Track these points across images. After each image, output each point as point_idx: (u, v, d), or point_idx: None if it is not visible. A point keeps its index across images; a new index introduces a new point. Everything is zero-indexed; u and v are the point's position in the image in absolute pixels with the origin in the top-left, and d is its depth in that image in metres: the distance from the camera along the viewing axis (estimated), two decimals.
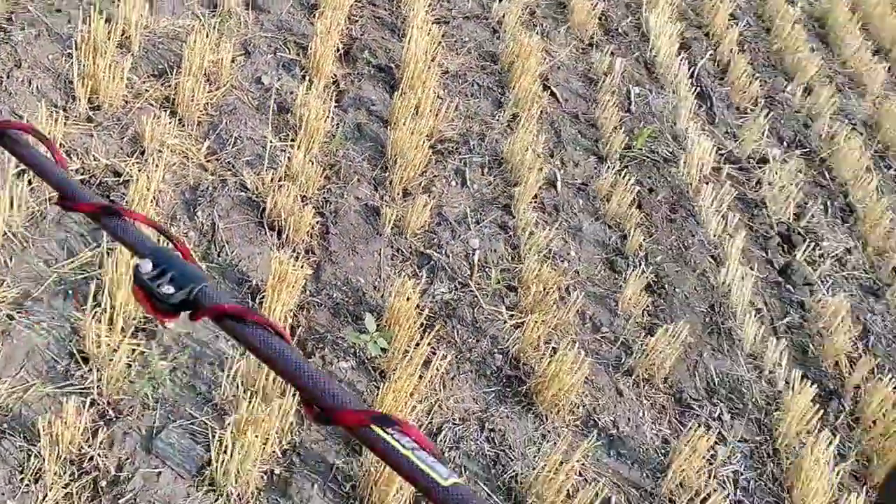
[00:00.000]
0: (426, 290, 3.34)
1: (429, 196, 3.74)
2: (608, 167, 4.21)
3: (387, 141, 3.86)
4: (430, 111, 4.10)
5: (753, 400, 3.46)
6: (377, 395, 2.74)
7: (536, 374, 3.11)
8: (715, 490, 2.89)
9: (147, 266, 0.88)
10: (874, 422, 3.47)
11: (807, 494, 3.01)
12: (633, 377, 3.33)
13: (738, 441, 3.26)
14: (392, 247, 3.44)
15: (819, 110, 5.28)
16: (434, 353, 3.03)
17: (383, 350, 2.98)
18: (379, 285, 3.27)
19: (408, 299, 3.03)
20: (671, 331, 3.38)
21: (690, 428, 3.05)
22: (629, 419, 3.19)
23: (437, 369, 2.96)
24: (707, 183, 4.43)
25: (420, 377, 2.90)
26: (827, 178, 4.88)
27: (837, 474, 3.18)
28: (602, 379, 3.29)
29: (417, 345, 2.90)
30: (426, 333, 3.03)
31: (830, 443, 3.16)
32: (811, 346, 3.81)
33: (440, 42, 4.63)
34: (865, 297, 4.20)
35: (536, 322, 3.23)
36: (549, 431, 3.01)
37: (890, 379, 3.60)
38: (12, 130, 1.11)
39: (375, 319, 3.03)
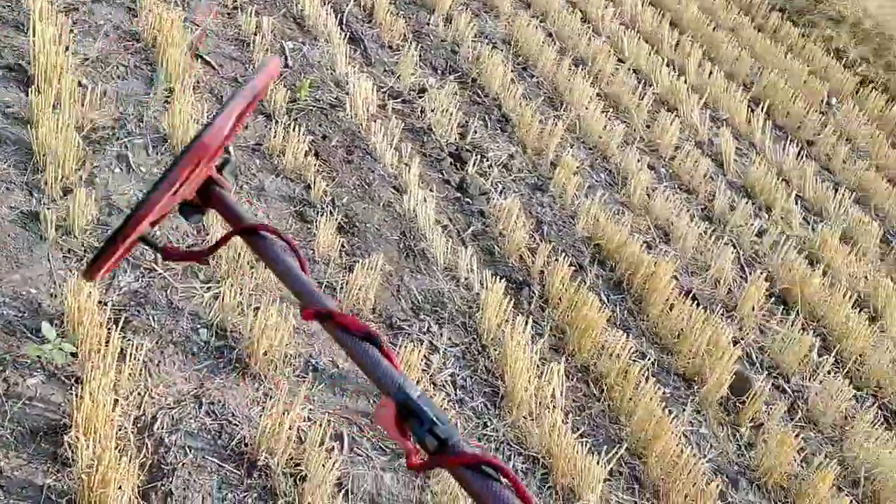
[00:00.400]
0: (110, 284, 3.16)
1: (92, 188, 3.52)
2: (277, 123, 4.21)
3: (32, 141, 3.56)
4: (74, 102, 3.83)
5: (456, 307, 3.71)
6: (74, 401, 2.57)
7: (245, 338, 3.08)
8: (436, 394, 3.07)
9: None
10: (560, 298, 3.87)
11: (515, 375, 3.31)
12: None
13: (450, 346, 3.49)
14: (61, 249, 3.21)
15: (462, 36, 5.66)
16: (135, 346, 2.90)
17: (73, 355, 2.79)
18: (56, 291, 3.03)
19: (90, 296, 2.86)
20: (368, 264, 3.51)
21: (403, 346, 3.21)
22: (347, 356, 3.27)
23: (137, 360, 2.84)
24: (375, 120, 4.59)
25: (120, 372, 2.76)
26: (481, 96, 5.28)
27: (537, 352, 3.53)
28: (313, 325, 3.34)
29: (108, 341, 2.75)
30: (117, 327, 2.88)
31: (525, 326, 3.49)
32: (496, 247, 4.15)
33: (72, 30, 4.32)
34: (533, 194, 4.63)
35: (233, 287, 3.20)
36: (270, 388, 3.01)
37: (564, 258, 4.03)
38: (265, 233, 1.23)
39: (56, 326, 2.82)
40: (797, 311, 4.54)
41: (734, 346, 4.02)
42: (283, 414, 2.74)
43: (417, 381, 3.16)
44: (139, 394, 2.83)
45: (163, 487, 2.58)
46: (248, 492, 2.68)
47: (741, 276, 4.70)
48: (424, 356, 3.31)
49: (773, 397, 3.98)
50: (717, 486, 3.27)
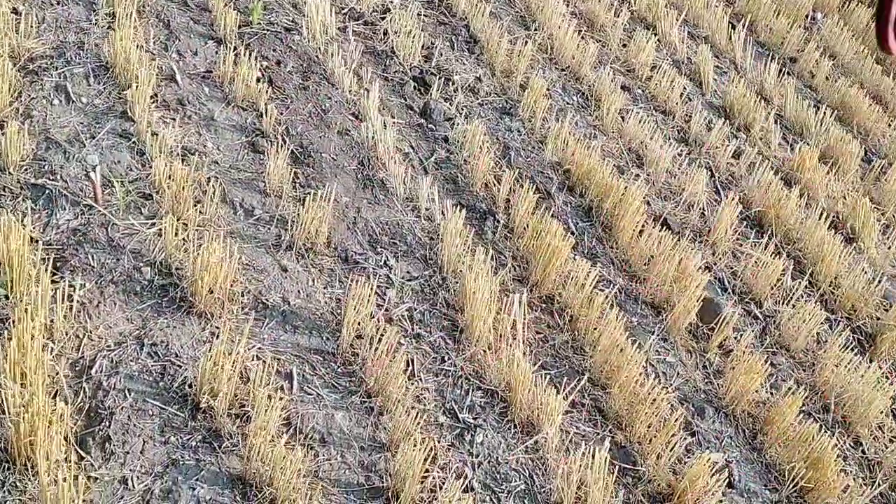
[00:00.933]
0: (47, 222, 3.02)
1: (29, 122, 3.34)
2: (227, 48, 4.00)
3: None
4: (9, 30, 3.62)
5: (416, 239, 3.58)
6: (4, 343, 2.46)
7: (189, 276, 2.96)
8: (386, 330, 2.96)
9: None
10: (525, 227, 3.74)
11: (475, 308, 3.21)
12: (295, 250, 3.29)
13: (407, 280, 3.38)
14: None
15: None
16: (71, 287, 2.78)
17: (6, 297, 2.67)
18: None
19: (21, 236, 2.72)
20: (322, 195, 3.36)
21: (357, 281, 3.09)
22: (299, 291, 3.17)
23: (75, 301, 2.72)
24: (334, 44, 4.38)
25: (55, 314, 2.65)
26: (448, 16, 5.04)
27: (500, 283, 3.41)
28: (263, 260, 3.22)
29: (39, 282, 2.63)
30: (53, 267, 2.76)
31: (486, 256, 3.37)
32: (459, 175, 4.00)
33: None
34: (501, 119, 4.46)
35: (178, 223, 3.06)
36: (217, 327, 2.91)
37: (531, 185, 3.88)
38: None
39: None
40: (771, 234, 4.43)
41: (707, 272, 3.92)
42: (228, 354, 2.64)
43: (371, 316, 3.06)
44: (77, 336, 2.72)
45: (101, 433, 2.49)
46: (192, 434, 2.60)
47: (715, 200, 4.57)
48: (378, 291, 3.19)
49: (744, 323, 3.90)
50: (682, 415, 3.21)
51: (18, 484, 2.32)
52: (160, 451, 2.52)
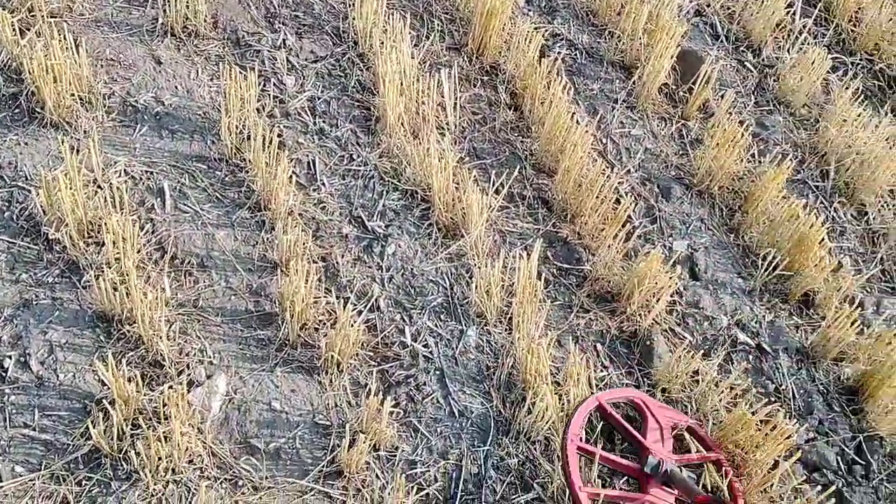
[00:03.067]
0: None
1: None
2: None
3: None
4: None
5: (327, 7, 2.99)
6: None
7: (37, 81, 2.49)
8: (284, 129, 2.50)
9: None
10: None
11: (392, 90, 2.68)
12: (174, 36, 2.77)
13: (311, 63, 2.85)
14: None
15: None
16: None
17: None
18: None
19: None
20: None
21: (247, 68, 2.59)
22: (177, 87, 2.68)
23: None
24: None
25: None
26: None
27: (428, 53, 2.86)
28: (133, 53, 2.71)
29: None
30: None
31: (409, 20, 2.78)
32: None
33: None
34: None
35: (23, 10, 2.54)
36: (77, 140, 2.48)
37: None
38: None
39: None
40: None
41: (697, 16, 3.25)
42: (89, 171, 2.23)
43: (261, 111, 2.58)
44: None
45: None
46: (49, 269, 2.27)
47: None
48: (275, 78, 2.69)
49: (734, 78, 3.29)
50: (642, 198, 2.75)
51: None
52: (10, 290, 2.22)
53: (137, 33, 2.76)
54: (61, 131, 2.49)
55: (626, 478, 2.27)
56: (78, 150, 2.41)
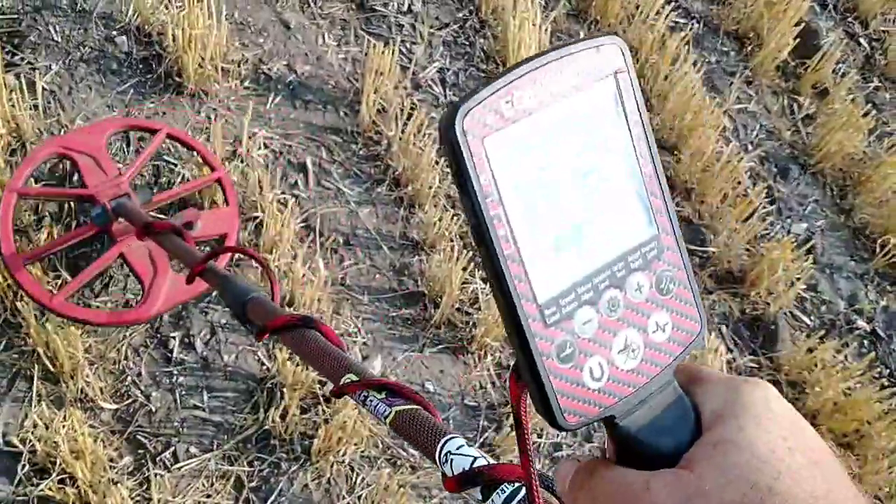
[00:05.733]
0: None
1: None
2: None
3: None
4: None
5: None
6: None
7: (172, 49, 2.44)
8: (418, 103, 2.48)
9: None
10: None
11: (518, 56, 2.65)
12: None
13: (437, 30, 2.79)
14: None
15: None
16: (33, 69, 2.32)
17: None
18: None
19: None
20: None
21: (377, 35, 2.54)
22: (307, 54, 2.63)
23: (42, 88, 2.27)
24: None
25: (20, 108, 2.22)
26: None
27: (553, 22, 2.81)
28: (261, 15, 2.65)
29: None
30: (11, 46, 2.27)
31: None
32: None
33: None
34: None
35: None
36: (213, 108, 2.45)
37: None
38: None
39: None
40: None
41: None
42: (234, 140, 2.22)
43: (396, 86, 2.55)
44: (50, 132, 2.31)
45: None
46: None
47: None
48: (402, 48, 2.64)
49: (846, 52, 3.26)
50: (761, 178, 2.77)
51: None
52: None
53: None
54: (198, 100, 2.46)
55: None
56: (218, 120, 2.38)
